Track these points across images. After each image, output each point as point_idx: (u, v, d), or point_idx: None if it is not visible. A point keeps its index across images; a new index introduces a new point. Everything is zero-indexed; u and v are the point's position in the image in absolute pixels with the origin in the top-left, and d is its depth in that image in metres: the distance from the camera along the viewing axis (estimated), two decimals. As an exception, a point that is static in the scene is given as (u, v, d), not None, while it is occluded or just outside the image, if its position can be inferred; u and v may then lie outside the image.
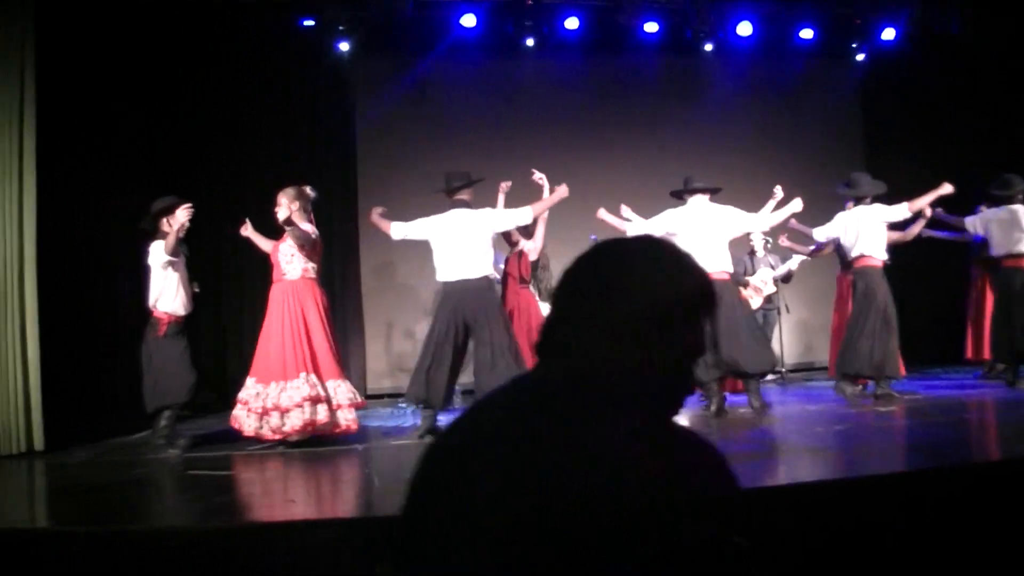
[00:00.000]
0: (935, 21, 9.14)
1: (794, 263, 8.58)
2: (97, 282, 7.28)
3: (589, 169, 9.14)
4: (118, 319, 7.33)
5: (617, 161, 9.23)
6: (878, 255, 6.70)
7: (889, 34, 9.31)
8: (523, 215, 6.15)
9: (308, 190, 5.91)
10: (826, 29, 9.32)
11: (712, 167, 6.63)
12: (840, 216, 6.95)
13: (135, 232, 6.07)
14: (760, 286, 9.10)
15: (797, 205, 6.40)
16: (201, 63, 8.35)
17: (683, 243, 6.26)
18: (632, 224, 6.64)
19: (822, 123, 9.80)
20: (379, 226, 6.29)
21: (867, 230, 6.69)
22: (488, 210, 6.15)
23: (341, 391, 5.64)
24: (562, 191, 6.11)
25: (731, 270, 6.57)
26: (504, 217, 6.17)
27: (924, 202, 6.69)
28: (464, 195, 6.05)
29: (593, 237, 8.41)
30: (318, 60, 8.93)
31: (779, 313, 8.88)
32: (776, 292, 8.82)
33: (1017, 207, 7.07)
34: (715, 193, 6.53)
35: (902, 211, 6.65)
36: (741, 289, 7.96)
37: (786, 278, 8.78)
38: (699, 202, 6.47)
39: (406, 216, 8.46)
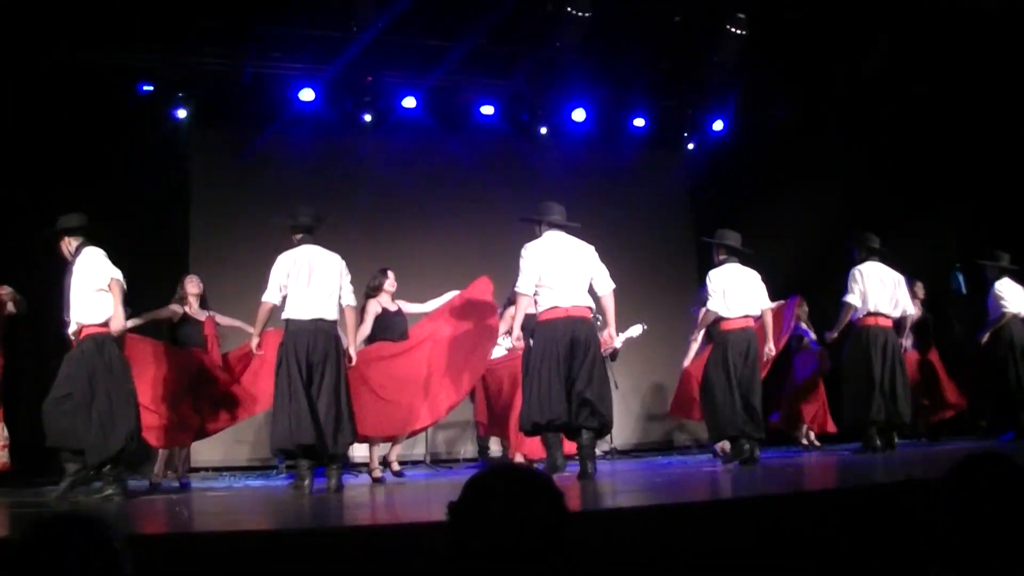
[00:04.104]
0: (760, 110, 9.63)
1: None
2: None
3: (423, 246, 9.22)
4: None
5: (450, 239, 9.32)
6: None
7: (718, 125, 9.75)
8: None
9: None
10: (657, 119, 9.70)
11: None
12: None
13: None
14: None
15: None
16: (36, 123, 8.14)
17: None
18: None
19: (653, 209, 10.12)
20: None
21: None
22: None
23: None
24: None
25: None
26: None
27: None
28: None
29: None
30: (155, 127, 8.86)
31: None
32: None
33: None
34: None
35: None
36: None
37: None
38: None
39: (238, 286, 8.43)
